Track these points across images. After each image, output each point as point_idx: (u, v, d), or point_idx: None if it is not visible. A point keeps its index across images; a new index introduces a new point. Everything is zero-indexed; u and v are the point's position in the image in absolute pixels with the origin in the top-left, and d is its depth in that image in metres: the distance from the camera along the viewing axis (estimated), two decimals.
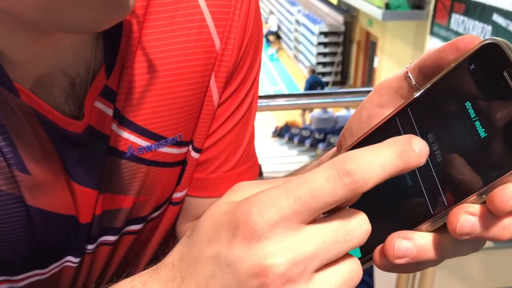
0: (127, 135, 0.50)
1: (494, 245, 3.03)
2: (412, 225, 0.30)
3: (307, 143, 8.00)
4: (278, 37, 16.30)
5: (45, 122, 0.44)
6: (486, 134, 0.28)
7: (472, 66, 0.30)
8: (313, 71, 11.01)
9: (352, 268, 0.29)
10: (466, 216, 0.27)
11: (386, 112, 0.37)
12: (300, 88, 11.61)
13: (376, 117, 0.38)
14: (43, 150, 0.44)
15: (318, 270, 0.28)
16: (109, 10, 0.36)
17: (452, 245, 0.30)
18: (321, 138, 7.69)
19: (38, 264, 0.51)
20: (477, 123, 0.28)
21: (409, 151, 0.27)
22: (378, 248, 0.31)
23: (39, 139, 0.44)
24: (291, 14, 14.81)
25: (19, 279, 0.50)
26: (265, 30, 15.99)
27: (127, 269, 0.61)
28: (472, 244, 0.31)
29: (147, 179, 0.53)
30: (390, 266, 0.30)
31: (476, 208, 0.27)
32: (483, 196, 0.27)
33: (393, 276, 1.74)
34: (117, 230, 0.55)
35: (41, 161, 0.45)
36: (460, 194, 0.28)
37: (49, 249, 0.50)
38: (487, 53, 0.29)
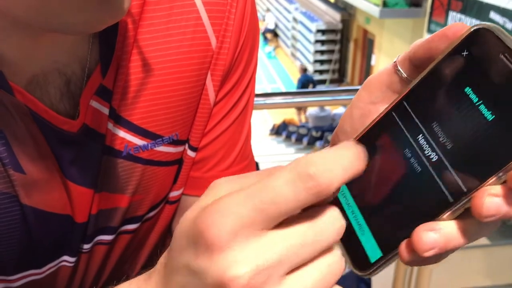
0: (123, 134, 0.49)
1: (490, 243, 3.04)
2: (433, 217, 0.30)
3: (305, 141, 8.01)
4: (275, 35, 16.29)
5: (40, 121, 0.44)
6: (493, 116, 0.28)
7: (465, 53, 0.30)
8: (304, 70, 11.02)
9: (331, 262, 0.28)
10: (491, 198, 0.27)
11: (379, 108, 0.36)
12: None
13: (370, 115, 0.38)
14: (38, 149, 0.44)
15: (291, 271, 0.27)
16: (102, 12, 0.35)
17: (475, 228, 0.30)
18: (319, 136, 7.71)
19: (34, 264, 0.50)
20: (482, 107, 0.28)
21: (362, 153, 0.27)
22: (403, 244, 0.30)
23: (34, 138, 0.44)
24: (289, 12, 14.80)
25: (15, 279, 0.50)
26: (262, 28, 16.00)
27: (123, 269, 0.61)
28: (490, 226, 0.30)
29: (144, 178, 0.53)
30: (417, 260, 0.30)
31: (498, 189, 0.27)
32: (502, 176, 0.27)
33: (390, 273, 1.75)
34: (113, 230, 0.55)
35: (36, 160, 0.44)
36: (478, 178, 0.28)
37: (45, 249, 0.50)
38: (479, 38, 0.29)
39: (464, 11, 6.64)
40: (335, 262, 0.28)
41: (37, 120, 0.43)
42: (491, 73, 0.28)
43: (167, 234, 0.66)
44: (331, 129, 7.75)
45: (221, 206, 0.26)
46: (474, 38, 0.30)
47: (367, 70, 11.78)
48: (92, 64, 0.46)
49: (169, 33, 0.49)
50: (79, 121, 0.46)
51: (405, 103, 0.32)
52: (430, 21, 7.39)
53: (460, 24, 0.31)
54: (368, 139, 0.34)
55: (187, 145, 0.56)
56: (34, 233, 0.48)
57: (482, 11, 6.27)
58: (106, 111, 0.47)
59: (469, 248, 2.89)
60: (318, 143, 7.58)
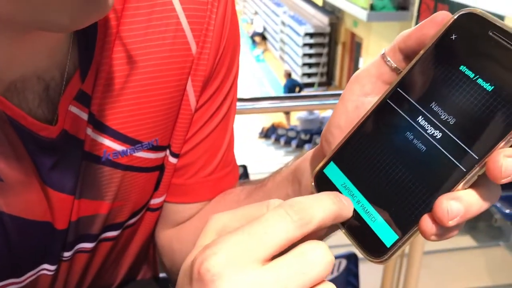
0: (102, 139, 0.49)
1: (477, 245, 3.07)
2: (449, 189, 0.31)
3: (294, 144, 8.03)
4: (263, 38, 16.33)
5: (18, 128, 0.43)
6: (493, 86, 0.30)
7: (455, 35, 0.32)
8: (289, 75, 11.10)
9: None
10: (507, 159, 0.29)
11: (372, 99, 0.37)
12: None
13: (363, 106, 0.38)
14: (16, 156, 0.44)
15: None
16: (87, 7, 0.35)
17: (487, 194, 0.31)
18: (307, 139, 7.73)
19: (13, 272, 0.50)
20: (480, 80, 0.31)
21: (340, 201, 0.32)
22: (424, 218, 0.31)
23: (12, 145, 0.43)
24: (277, 15, 14.84)
25: None
26: (250, 31, 16.03)
27: (105, 278, 0.60)
28: (496, 191, 0.32)
29: (123, 184, 0.52)
30: (440, 233, 0.31)
31: (510, 150, 0.29)
32: (511, 139, 0.29)
33: (378, 276, 1.75)
34: (94, 237, 0.54)
35: (15, 167, 0.44)
36: (488, 145, 0.30)
37: (25, 257, 0.49)
38: (466, 22, 0.32)
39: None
40: None
41: (15, 127, 0.43)
42: (483, 49, 0.31)
43: (150, 242, 0.65)
44: (319, 132, 7.77)
45: (216, 241, 0.29)
46: (463, 21, 0.33)
47: (355, 73, 11.84)
48: (71, 69, 0.46)
49: (148, 38, 0.48)
50: (58, 126, 0.45)
51: (400, 90, 0.34)
52: (417, 24, 7.45)
53: (445, 12, 0.34)
54: (366, 128, 0.36)
55: (168, 152, 0.56)
56: (14, 241, 0.47)
57: None
58: (85, 116, 0.47)
59: (456, 250, 2.91)
60: (307, 146, 7.60)
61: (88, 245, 0.54)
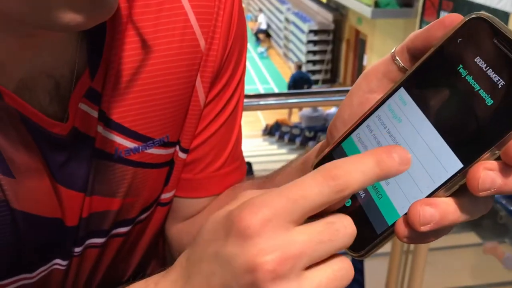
0: (113, 137, 0.49)
1: (482, 242, 3.06)
2: (428, 194, 0.31)
3: (298, 141, 8.01)
4: (268, 35, 16.29)
5: (30, 125, 0.43)
6: (488, 95, 0.30)
7: (461, 39, 0.32)
8: (299, 67, 10.93)
9: (342, 267, 0.30)
10: (486, 172, 0.29)
11: (377, 96, 0.38)
12: None
13: (367, 102, 0.39)
14: (28, 153, 0.44)
15: (308, 268, 0.29)
16: (94, 9, 0.36)
17: (470, 204, 0.31)
18: (311, 136, 7.71)
19: (26, 268, 0.50)
20: (477, 87, 0.30)
21: (387, 161, 0.29)
22: (400, 220, 0.32)
23: (24, 142, 0.44)
24: (281, 12, 14.80)
25: (6, 284, 0.49)
26: (254, 28, 15.99)
27: (116, 272, 0.61)
28: (485, 202, 0.32)
29: (135, 181, 0.53)
30: (413, 236, 0.31)
31: (493, 163, 0.29)
32: (496, 152, 0.29)
33: (383, 273, 1.75)
34: (105, 233, 0.54)
35: (26, 164, 0.44)
36: (473, 154, 0.30)
37: (36, 253, 0.50)
38: (473, 26, 0.32)
39: (455, 11, 6.67)
40: (345, 268, 0.30)
41: (27, 124, 0.43)
42: (485, 56, 0.31)
43: (160, 237, 0.65)
44: (323, 129, 7.74)
45: (257, 200, 0.29)
46: (470, 26, 0.32)
47: (359, 70, 11.80)
48: (80, 67, 0.46)
49: (157, 35, 0.49)
50: (69, 124, 0.46)
51: (402, 88, 0.35)
52: (421, 21, 7.42)
53: (455, 14, 0.34)
54: (366, 124, 0.36)
55: (178, 147, 0.56)
56: (25, 237, 0.47)
57: (472, 11, 6.30)
58: (95, 114, 0.47)
59: (461, 247, 2.90)
60: (310, 143, 7.58)
61: (99, 241, 0.54)
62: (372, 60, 10.42)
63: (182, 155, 0.56)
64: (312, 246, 0.29)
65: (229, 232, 0.29)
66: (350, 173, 0.29)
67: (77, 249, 0.53)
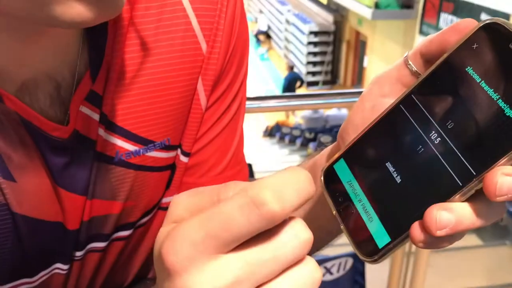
0: (114, 140, 0.49)
1: (483, 243, 3.06)
2: (442, 200, 0.31)
3: (298, 142, 8.03)
4: (268, 36, 16.32)
5: (30, 128, 0.43)
6: (503, 102, 0.29)
7: (476, 45, 0.32)
8: (291, 68, 11.01)
9: (304, 273, 0.27)
10: (504, 177, 0.28)
11: (389, 101, 0.37)
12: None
13: (380, 106, 0.38)
14: (28, 156, 0.44)
15: (260, 285, 0.27)
16: (103, 5, 0.35)
17: (486, 209, 0.31)
18: (312, 138, 7.72)
19: (26, 272, 0.50)
20: (492, 93, 0.30)
21: (310, 177, 0.27)
22: (415, 225, 0.31)
23: (25, 145, 0.43)
24: (281, 13, 14.83)
25: None
26: (255, 30, 16.02)
27: (117, 276, 0.61)
28: (500, 208, 0.31)
29: (136, 184, 0.53)
30: (429, 241, 0.31)
31: (510, 168, 0.29)
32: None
33: (384, 275, 1.75)
34: (106, 237, 0.54)
35: (27, 167, 0.44)
36: (488, 160, 0.29)
37: (37, 257, 0.50)
38: (489, 32, 0.31)
39: (455, 12, 6.69)
40: (309, 272, 0.27)
41: (28, 127, 0.43)
42: (500, 62, 0.30)
43: None
44: (324, 130, 7.76)
45: (178, 234, 0.27)
46: (485, 31, 0.32)
47: (359, 71, 11.83)
48: (82, 69, 0.46)
49: (159, 38, 0.49)
50: (70, 127, 0.45)
51: (413, 95, 0.34)
52: (422, 23, 7.44)
53: (470, 19, 0.33)
54: (377, 129, 0.36)
55: (179, 151, 0.56)
56: (26, 241, 0.47)
57: (473, 13, 6.33)
58: (96, 116, 0.47)
59: (462, 249, 2.90)
60: (311, 145, 7.60)
61: (100, 245, 0.54)
62: (373, 61, 10.44)
63: (183, 158, 0.56)
64: (251, 269, 0.26)
65: (162, 272, 0.28)
66: (285, 193, 0.25)
67: (79, 253, 0.53)
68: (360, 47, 11.83)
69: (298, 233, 0.27)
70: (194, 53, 0.51)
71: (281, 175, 0.26)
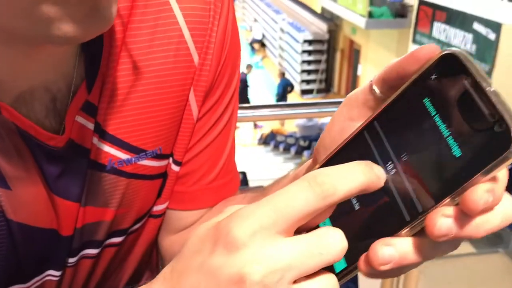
0: (107, 148, 0.50)
1: (476, 251, 3.07)
2: (391, 233, 0.31)
3: (293, 150, 8.03)
4: (263, 45, 16.34)
5: (26, 137, 0.44)
6: (453, 140, 0.29)
7: (434, 76, 0.31)
8: (283, 74, 11.07)
9: (329, 283, 0.30)
10: (443, 219, 0.28)
11: (356, 125, 0.37)
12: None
13: (348, 129, 0.38)
14: (24, 165, 0.45)
15: (295, 281, 0.29)
16: (90, 22, 0.36)
17: (431, 246, 0.31)
18: (306, 146, 7.73)
19: (20, 278, 0.50)
20: (444, 130, 0.29)
21: (371, 172, 0.30)
22: (363, 257, 0.31)
23: (20, 154, 0.44)
24: (276, 22, 14.85)
25: None
26: (250, 38, 16.03)
27: (109, 282, 0.61)
28: (449, 244, 0.31)
29: (128, 192, 0.54)
30: (375, 273, 0.31)
31: (450, 210, 0.29)
32: (456, 198, 0.29)
33: (377, 282, 1.75)
34: (99, 243, 0.55)
35: (22, 176, 0.45)
36: (434, 199, 0.29)
37: (30, 263, 0.50)
38: (447, 63, 0.30)
39: (448, 21, 6.73)
40: (334, 284, 0.30)
41: (24, 136, 0.44)
42: (454, 97, 0.29)
43: (153, 248, 0.66)
44: (318, 138, 7.74)
45: (243, 211, 0.29)
46: (443, 62, 0.31)
47: (353, 80, 11.86)
48: (77, 80, 0.47)
49: (153, 50, 0.50)
50: (65, 136, 0.46)
51: (376, 122, 0.34)
52: (415, 32, 7.47)
53: (433, 46, 0.32)
54: (340, 156, 0.36)
55: (171, 160, 0.57)
56: (21, 248, 0.48)
57: (465, 22, 6.36)
58: (91, 126, 0.48)
59: (454, 256, 2.90)
60: (305, 153, 7.60)
61: (93, 251, 0.55)
62: (366, 69, 10.47)
63: (175, 167, 0.57)
64: (301, 258, 0.28)
65: (216, 243, 0.29)
66: (337, 179, 0.29)
67: (71, 260, 0.54)
68: (354, 55, 11.86)
69: (339, 240, 0.29)
70: (187, 65, 0.52)
71: (337, 166, 0.30)
